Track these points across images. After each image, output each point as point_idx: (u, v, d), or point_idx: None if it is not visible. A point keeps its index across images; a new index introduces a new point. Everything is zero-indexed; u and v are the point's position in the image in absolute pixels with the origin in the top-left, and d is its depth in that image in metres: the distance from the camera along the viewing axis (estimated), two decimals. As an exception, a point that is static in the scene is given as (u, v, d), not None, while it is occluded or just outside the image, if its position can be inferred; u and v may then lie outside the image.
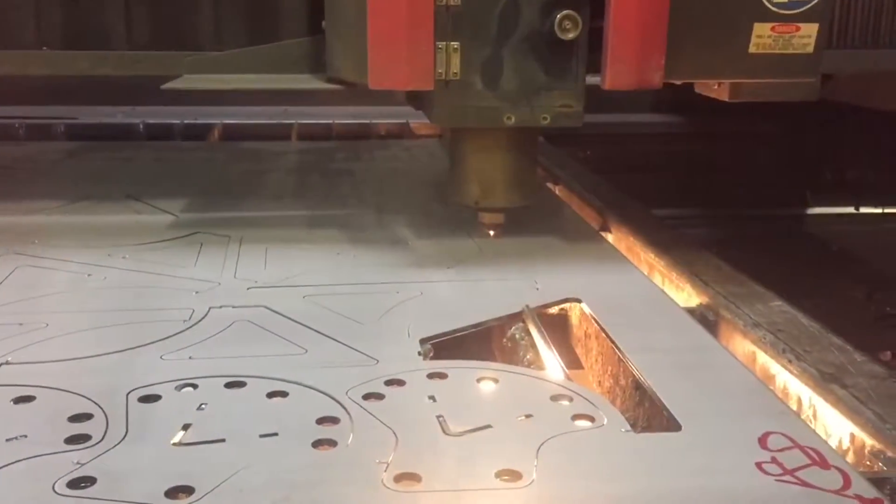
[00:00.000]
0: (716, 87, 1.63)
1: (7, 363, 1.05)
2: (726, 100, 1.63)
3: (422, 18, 1.30)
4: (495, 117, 1.38)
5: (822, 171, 3.30)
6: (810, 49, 1.39)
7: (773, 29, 1.37)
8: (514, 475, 0.81)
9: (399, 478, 0.81)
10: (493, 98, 1.37)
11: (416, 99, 1.55)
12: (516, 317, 1.24)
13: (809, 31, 1.38)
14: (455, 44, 1.33)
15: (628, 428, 0.90)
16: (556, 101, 1.37)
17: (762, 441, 0.87)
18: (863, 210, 3.22)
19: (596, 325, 1.23)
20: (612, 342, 1.14)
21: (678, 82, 1.46)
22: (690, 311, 1.36)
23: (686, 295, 1.53)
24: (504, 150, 1.50)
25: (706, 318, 1.39)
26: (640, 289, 1.38)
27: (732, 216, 3.25)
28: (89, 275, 1.38)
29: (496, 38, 1.34)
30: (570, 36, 1.31)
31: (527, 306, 1.24)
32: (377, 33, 1.31)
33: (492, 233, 1.59)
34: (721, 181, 3.24)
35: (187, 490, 0.78)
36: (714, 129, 3.23)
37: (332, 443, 0.87)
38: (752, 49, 1.38)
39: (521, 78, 1.36)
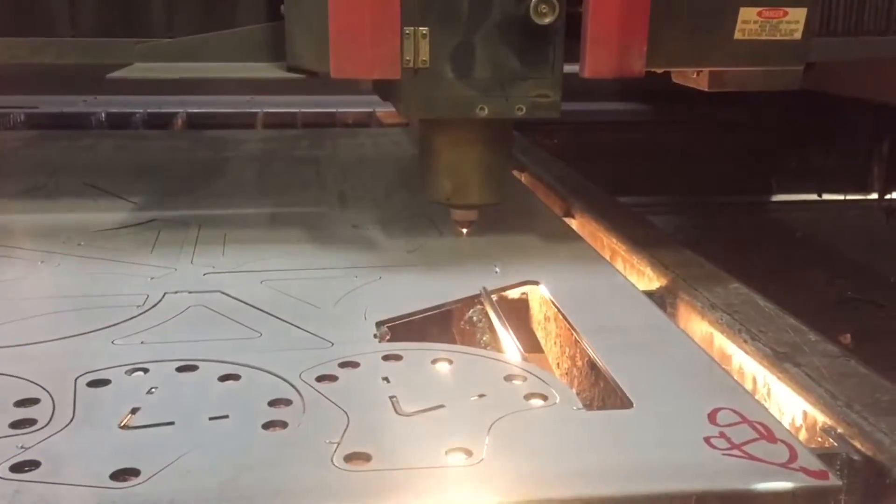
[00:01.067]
0: (694, 76, 1.59)
1: (-46, 350, 1.03)
2: (705, 89, 1.61)
3: (387, 1, 1.23)
4: (467, 108, 1.30)
5: (786, 158, 3.34)
6: (798, 35, 1.34)
7: (759, 14, 1.32)
8: (465, 452, 0.81)
9: (349, 458, 0.80)
10: (465, 87, 1.29)
11: (383, 88, 1.46)
12: (474, 299, 1.24)
13: (797, 16, 1.33)
14: (424, 29, 1.25)
15: (580, 406, 0.91)
16: (532, 90, 1.30)
17: (711, 417, 0.88)
18: (826, 197, 3.27)
19: (554, 307, 1.23)
20: (569, 323, 1.15)
21: (660, 70, 1.41)
22: (650, 294, 1.37)
23: (647, 279, 1.54)
24: (477, 144, 1.42)
25: (664, 301, 1.40)
26: (601, 272, 1.39)
27: (698, 203, 3.28)
28: (42, 262, 1.36)
29: (468, 23, 1.27)
30: (547, 21, 1.23)
31: (484, 288, 1.24)
32: (339, 18, 1.23)
33: (464, 231, 1.54)
34: (686, 169, 3.27)
35: (133, 472, 0.77)
36: (679, 116, 3.25)
37: (283, 424, 0.87)
38: (737, 35, 1.33)
39: (494, 66, 1.28)
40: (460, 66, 1.28)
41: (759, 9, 1.32)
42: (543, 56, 1.29)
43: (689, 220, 3.18)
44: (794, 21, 1.33)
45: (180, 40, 1.45)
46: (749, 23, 1.33)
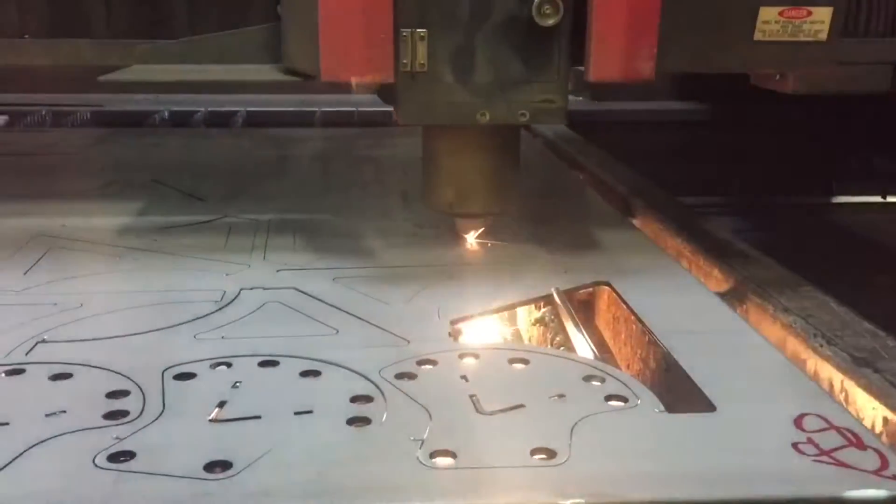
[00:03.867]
0: (777, 78, 1.54)
1: (44, 341, 1.06)
2: (789, 92, 1.56)
3: (379, 0, 1.15)
4: (468, 114, 1.23)
5: (847, 159, 3.27)
6: (824, 36, 1.26)
7: (780, 14, 1.24)
8: (548, 453, 0.81)
9: (434, 454, 0.81)
10: (466, 93, 1.21)
11: (385, 92, 1.33)
12: (545, 299, 1.24)
13: (822, 15, 1.25)
14: (422, 31, 1.18)
15: (662, 408, 0.90)
16: (536, 95, 1.22)
17: (798, 422, 0.87)
18: (890, 199, 3.19)
19: (625, 308, 1.22)
20: (643, 325, 1.14)
21: (673, 72, 1.34)
22: (719, 296, 1.36)
23: (714, 281, 1.52)
24: (480, 150, 1.35)
25: (734, 304, 1.38)
26: (671, 274, 1.38)
27: (754, 204, 3.23)
28: (120, 257, 1.40)
29: (468, 24, 1.19)
30: (551, 22, 1.16)
31: (556, 289, 1.24)
32: (328, 18, 1.16)
33: (471, 241, 1.48)
34: (743, 169, 3.22)
35: (225, 465, 0.79)
36: (737, 116, 3.20)
37: (366, 420, 0.88)
38: (757, 36, 1.25)
39: (496, 70, 1.21)
40: (460, 70, 1.21)
41: (780, 8, 1.24)
42: (548, 59, 1.22)
43: (746, 222, 3.13)
44: (818, 21, 1.25)
45: (180, 42, 1.43)
46: (770, 23, 1.25)
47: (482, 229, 1.46)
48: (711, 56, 1.29)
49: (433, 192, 1.40)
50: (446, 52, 1.20)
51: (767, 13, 1.24)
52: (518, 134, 1.41)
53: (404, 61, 1.19)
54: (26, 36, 1.57)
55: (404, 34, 1.18)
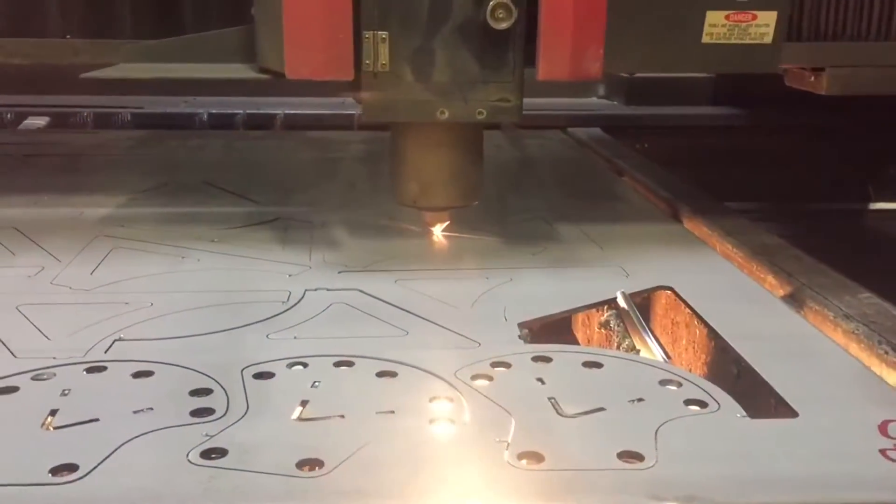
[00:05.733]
0: (811, 79, 1.55)
1: (121, 339, 1.07)
2: (822, 93, 1.56)
3: (338, 2, 1.21)
4: (428, 112, 1.30)
5: (884, 165, 3.24)
6: (769, 39, 1.31)
7: (727, 17, 1.29)
8: (635, 457, 0.82)
9: (522, 456, 0.82)
10: (425, 91, 1.28)
11: (355, 91, 1.39)
12: (609, 303, 1.24)
13: (767, 19, 1.30)
14: (383, 33, 1.25)
15: (743, 413, 0.90)
16: (493, 94, 1.29)
17: (882, 428, 0.87)
18: (928, 205, 3.16)
19: (689, 312, 1.22)
20: (712, 329, 1.14)
21: (626, 74, 1.38)
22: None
23: (769, 286, 1.51)
24: (442, 146, 1.41)
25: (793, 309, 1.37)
26: (729, 277, 1.37)
27: (790, 211, 3.20)
28: (183, 257, 1.41)
29: (427, 27, 1.26)
30: (504, 25, 1.21)
31: (622, 292, 1.24)
32: (292, 19, 1.23)
33: (437, 233, 1.53)
34: (778, 175, 3.20)
35: (317, 463, 0.80)
36: (771, 122, 3.19)
37: (448, 421, 0.88)
38: (704, 39, 1.30)
39: (454, 70, 1.28)
40: (420, 70, 1.28)
41: (726, 12, 1.29)
42: (503, 60, 1.29)
43: (783, 228, 3.11)
44: (763, 24, 1.30)
45: (163, 42, 1.48)
46: (717, 26, 1.30)
47: (447, 223, 1.51)
48: (660, 58, 1.34)
49: (399, 186, 1.46)
50: (407, 53, 1.27)
51: (714, 17, 1.29)
52: (481, 131, 1.46)
53: (367, 61, 1.25)
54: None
55: (366, 36, 1.24)
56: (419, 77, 1.28)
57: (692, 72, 1.40)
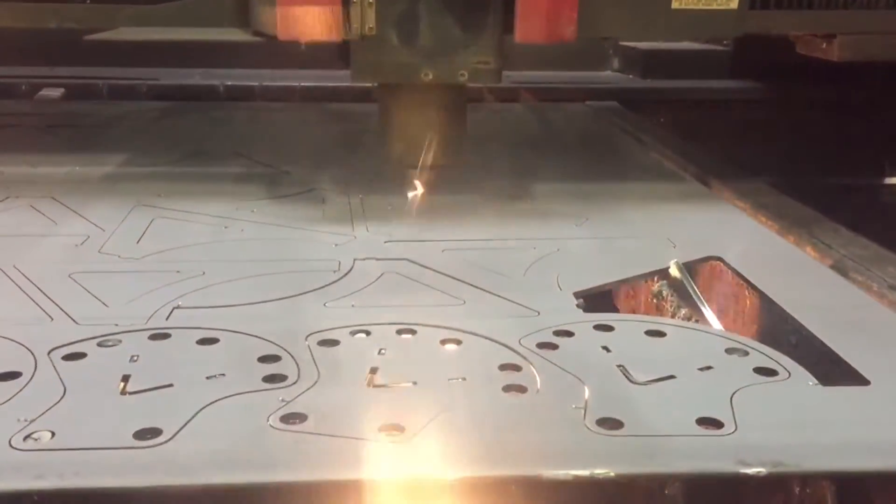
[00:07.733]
0: (823, 46, 1.56)
1: (179, 307, 1.07)
2: (834, 59, 1.57)
3: None
4: (413, 73, 1.37)
5: (900, 139, 3.23)
6: (734, 4, 1.37)
7: None
8: (715, 424, 0.82)
9: (601, 422, 0.82)
10: (411, 54, 1.36)
11: (344, 56, 1.48)
12: (661, 272, 1.24)
13: None
14: None
15: (815, 381, 0.90)
16: (473, 57, 1.37)
17: (955, 396, 0.87)
18: (946, 181, 3.16)
19: (741, 282, 1.22)
20: (767, 298, 1.14)
21: (601, 37, 1.42)
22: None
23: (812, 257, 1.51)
24: (426, 107, 1.48)
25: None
26: (774, 248, 1.37)
27: (805, 185, 3.19)
28: (226, 227, 1.40)
29: None
30: None
31: (675, 262, 1.23)
32: None
33: (414, 191, 1.57)
34: (793, 149, 3.19)
35: (397, 427, 0.80)
36: (790, 95, 3.17)
37: (521, 388, 0.88)
38: (674, 4, 1.37)
39: (437, 33, 1.35)
40: (405, 34, 1.35)
41: None
42: (483, 24, 1.35)
43: (801, 202, 3.10)
44: None
45: (160, 7, 1.51)
46: None
47: (433, 179, 1.55)
48: (632, 23, 1.41)
49: (386, 145, 1.55)
50: (393, 17, 1.34)
51: None
52: (463, 94, 1.54)
53: (355, 25, 1.31)
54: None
55: (354, 1, 1.30)
56: (405, 40, 1.35)
57: (663, 39, 1.52)
